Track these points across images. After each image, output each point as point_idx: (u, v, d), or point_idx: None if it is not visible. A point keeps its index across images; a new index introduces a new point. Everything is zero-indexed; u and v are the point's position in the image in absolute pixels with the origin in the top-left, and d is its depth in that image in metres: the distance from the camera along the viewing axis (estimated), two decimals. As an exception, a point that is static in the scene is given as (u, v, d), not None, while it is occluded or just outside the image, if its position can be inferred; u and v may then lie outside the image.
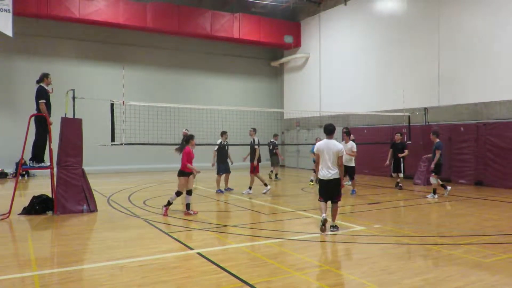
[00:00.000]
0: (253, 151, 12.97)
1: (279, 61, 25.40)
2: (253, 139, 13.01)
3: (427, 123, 15.55)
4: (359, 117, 19.33)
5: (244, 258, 5.95)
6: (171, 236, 7.16)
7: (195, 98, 21.61)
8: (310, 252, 6.30)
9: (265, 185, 12.63)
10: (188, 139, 9.45)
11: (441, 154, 11.51)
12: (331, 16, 21.94)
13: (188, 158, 9.17)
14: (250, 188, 12.61)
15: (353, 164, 12.35)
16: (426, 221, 8.62)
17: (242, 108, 16.47)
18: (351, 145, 12.17)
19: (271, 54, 25.89)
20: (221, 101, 22.05)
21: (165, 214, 8.99)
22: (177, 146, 10.06)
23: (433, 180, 11.56)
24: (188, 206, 9.24)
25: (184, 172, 9.24)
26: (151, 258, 5.88)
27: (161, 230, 7.67)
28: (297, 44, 24.07)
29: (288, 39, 23.74)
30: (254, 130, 13.12)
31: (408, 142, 14.89)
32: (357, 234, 7.28)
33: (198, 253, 6.08)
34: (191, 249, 6.34)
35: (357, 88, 20.09)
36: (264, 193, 12.44)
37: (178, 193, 9.25)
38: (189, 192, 9.30)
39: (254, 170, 12.73)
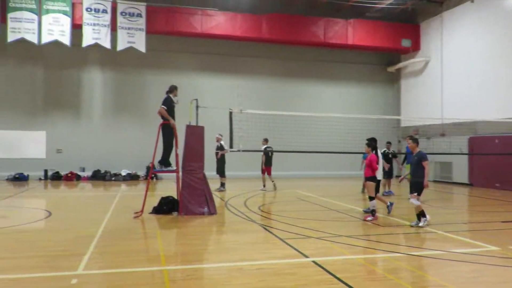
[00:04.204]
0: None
1: (395, 66, 24.24)
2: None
3: None
4: (488, 125, 17.46)
5: (361, 271, 5.75)
6: (286, 243, 7.22)
7: (308, 106, 21.70)
8: (433, 270, 5.84)
9: (264, 186, 15.58)
10: None
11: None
12: (455, 15, 20.29)
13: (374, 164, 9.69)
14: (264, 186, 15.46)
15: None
16: None
17: (358, 115, 16.10)
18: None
19: (387, 59, 24.84)
20: (335, 109, 21.80)
21: (376, 219, 9.45)
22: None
23: (414, 201, 8.84)
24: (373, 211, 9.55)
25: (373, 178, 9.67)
26: (267, 263, 6.00)
27: (276, 236, 7.79)
28: (415, 47, 22.74)
29: (406, 42, 22.55)
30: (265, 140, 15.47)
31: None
32: (489, 255, 6.54)
33: (313, 262, 6.04)
34: (306, 257, 6.32)
35: (486, 93, 18.20)
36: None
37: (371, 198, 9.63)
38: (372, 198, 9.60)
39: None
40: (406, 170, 13.42)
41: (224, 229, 8.82)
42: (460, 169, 19.38)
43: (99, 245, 6.92)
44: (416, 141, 9.27)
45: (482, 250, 6.80)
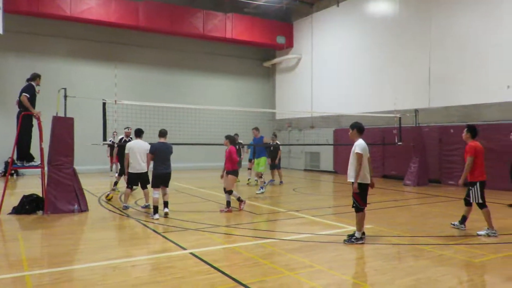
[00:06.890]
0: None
1: (271, 62, 25.46)
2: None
3: (417, 125, 15.69)
4: (350, 118, 19.41)
5: (237, 258, 5.96)
6: (163, 236, 7.14)
7: (187, 98, 21.56)
8: (302, 253, 6.33)
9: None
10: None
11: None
12: (324, 17, 22.04)
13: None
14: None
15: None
16: (416, 222, 8.70)
17: (234, 108, 16.49)
18: None
19: (263, 55, 25.93)
20: (213, 101, 22.06)
21: (230, 211, 9.53)
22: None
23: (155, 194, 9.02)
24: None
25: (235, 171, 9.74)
26: (144, 258, 5.87)
27: (154, 230, 7.64)
28: (289, 44, 24.15)
29: (281, 39, 23.80)
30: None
31: (399, 143, 15.02)
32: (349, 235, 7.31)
33: (191, 253, 6.08)
34: (184, 249, 6.33)
35: (349, 89, 20.21)
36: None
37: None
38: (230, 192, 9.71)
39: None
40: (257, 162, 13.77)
41: (98, 226, 8.34)
42: (327, 159, 21.26)
43: None
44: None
45: (343, 231, 7.57)
